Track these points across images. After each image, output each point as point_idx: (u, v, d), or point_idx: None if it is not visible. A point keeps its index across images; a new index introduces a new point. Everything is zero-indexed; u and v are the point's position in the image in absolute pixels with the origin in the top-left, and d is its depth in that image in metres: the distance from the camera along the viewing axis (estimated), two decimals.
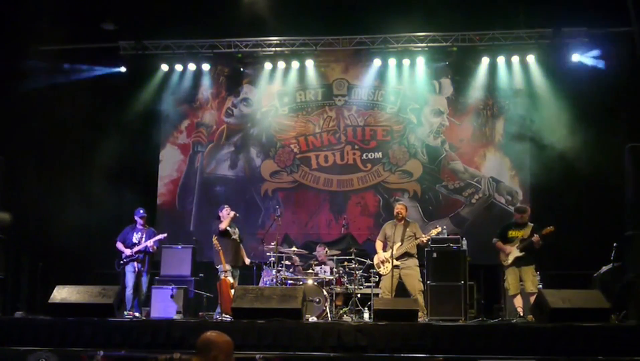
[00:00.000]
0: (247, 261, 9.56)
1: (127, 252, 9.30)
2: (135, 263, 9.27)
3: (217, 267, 9.13)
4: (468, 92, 11.35)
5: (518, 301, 8.52)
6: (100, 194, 11.22)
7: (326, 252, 10.09)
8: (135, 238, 9.43)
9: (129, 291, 9.22)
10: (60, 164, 11.17)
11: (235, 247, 9.26)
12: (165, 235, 9.63)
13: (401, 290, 8.75)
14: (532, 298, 7.74)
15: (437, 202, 11.32)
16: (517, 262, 8.51)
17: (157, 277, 9.95)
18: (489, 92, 11.35)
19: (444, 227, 9.85)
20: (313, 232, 11.38)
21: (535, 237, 8.34)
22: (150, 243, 9.35)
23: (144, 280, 9.41)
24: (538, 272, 8.74)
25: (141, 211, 9.59)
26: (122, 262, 9.32)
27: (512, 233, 8.69)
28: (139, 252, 9.33)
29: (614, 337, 6.34)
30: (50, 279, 9.11)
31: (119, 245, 9.39)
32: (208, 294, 9.80)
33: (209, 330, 3.59)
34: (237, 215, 9.39)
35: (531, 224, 8.65)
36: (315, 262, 9.90)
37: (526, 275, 8.46)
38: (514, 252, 8.53)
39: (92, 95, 11.32)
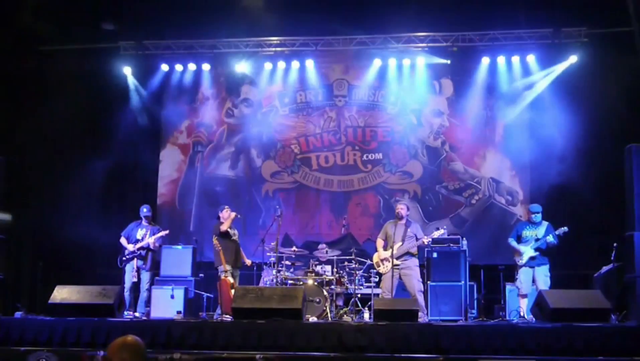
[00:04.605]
0: (248, 262, 9.55)
1: (130, 247, 9.27)
2: (136, 261, 9.24)
3: (218, 268, 9.12)
4: (468, 92, 11.34)
5: (525, 302, 8.52)
6: (100, 194, 11.23)
7: (326, 252, 10.09)
8: (139, 234, 9.40)
9: (126, 291, 9.18)
10: (61, 164, 11.17)
11: (235, 248, 9.24)
12: (167, 231, 9.61)
13: (401, 290, 8.75)
14: None
15: (438, 203, 11.32)
16: (531, 262, 8.53)
17: (157, 277, 9.94)
18: (489, 92, 11.34)
19: (444, 227, 9.86)
20: (313, 232, 11.38)
21: (549, 238, 8.38)
22: (151, 240, 9.33)
23: (146, 277, 9.37)
24: (550, 273, 8.71)
25: (145, 210, 9.56)
26: (124, 258, 9.30)
27: (526, 233, 8.73)
28: (141, 248, 9.30)
29: (614, 337, 6.34)
30: (50, 279, 9.11)
31: (123, 241, 9.37)
32: (208, 294, 9.80)
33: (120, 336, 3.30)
34: (239, 216, 9.38)
35: (546, 223, 8.66)
36: (317, 262, 9.90)
37: (539, 275, 8.50)
38: (528, 252, 8.54)
39: (93, 95, 11.32)
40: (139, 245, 9.28)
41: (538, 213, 8.76)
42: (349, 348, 6.45)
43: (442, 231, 8.89)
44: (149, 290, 9.45)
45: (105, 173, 11.08)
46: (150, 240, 9.30)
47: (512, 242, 8.77)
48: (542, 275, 8.47)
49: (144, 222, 9.51)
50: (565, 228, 8.35)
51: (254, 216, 11.45)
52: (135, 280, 9.20)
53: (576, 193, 10.31)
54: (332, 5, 10.64)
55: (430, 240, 8.90)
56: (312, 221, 11.49)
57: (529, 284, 8.54)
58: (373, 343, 6.46)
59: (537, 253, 8.50)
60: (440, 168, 11.37)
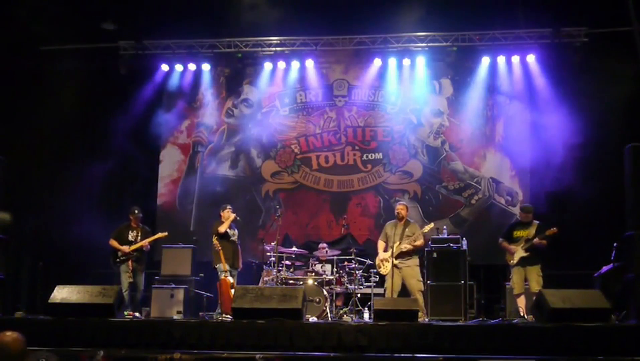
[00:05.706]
0: (240, 266, 9.52)
1: (125, 249, 9.19)
2: (130, 262, 9.20)
3: (216, 267, 9.10)
4: (468, 92, 11.36)
5: (521, 301, 8.54)
6: (100, 194, 11.23)
7: (326, 252, 10.09)
8: (131, 236, 9.31)
9: (124, 291, 9.15)
10: (61, 164, 11.17)
11: (233, 249, 9.22)
12: (165, 234, 9.56)
13: (404, 289, 8.73)
14: None
15: (437, 203, 11.32)
16: (523, 262, 8.54)
17: (157, 277, 9.93)
18: (489, 92, 11.35)
19: (444, 227, 9.85)
20: (313, 232, 11.38)
21: (536, 240, 8.39)
22: (145, 242, 9.26)
23: (142, 277, 9.33)
24: (542, 272, 8.72)
25: (135, 211, 9.48)
26: (118, 260, 9.25)
27: (517, 233, 8.73)
28: (135, 250, 9.25)
29: (614, 337, 6.33)
30: (50, 279, 9.10)
31: (113, 243, 9.28)
32: (208, 294, 9.79)
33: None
34: (239, 218, 9.35)
35: (536, 222, 8.67)
36: (317, 262, 9.90)
37: (531, 275, 8.49)
38: (519, 252, 8.55)
39: (93, 96, 11.32)
40: (133, 247, 9.20)
41: (529, 213, 8.77)
42: (349, 348, 6.44)
43: (431, 225, 8.87)
44: (148, 292, 9.43)
45: (105, 173, 11.07)
46: (144, 243, 9.23)
47: (503, 242, 8.79)
48: (535, 275, 8.47)
49: (133, 223, 9.44)
50: (554, 229, 8.34)
51: (254, 216, 11.45)
52: (131, 280, 9.15)
53: (576, 193, 10.30)
54: (332, 5, 10.65)
55: (427, 238, 8.91)
56: (312, 221, 11.49)
57: (522, 284, 8.57)
58: (373, 343, 6.45)
59: (528, 253, 8.50)
60: (440, 168, 11.37)
